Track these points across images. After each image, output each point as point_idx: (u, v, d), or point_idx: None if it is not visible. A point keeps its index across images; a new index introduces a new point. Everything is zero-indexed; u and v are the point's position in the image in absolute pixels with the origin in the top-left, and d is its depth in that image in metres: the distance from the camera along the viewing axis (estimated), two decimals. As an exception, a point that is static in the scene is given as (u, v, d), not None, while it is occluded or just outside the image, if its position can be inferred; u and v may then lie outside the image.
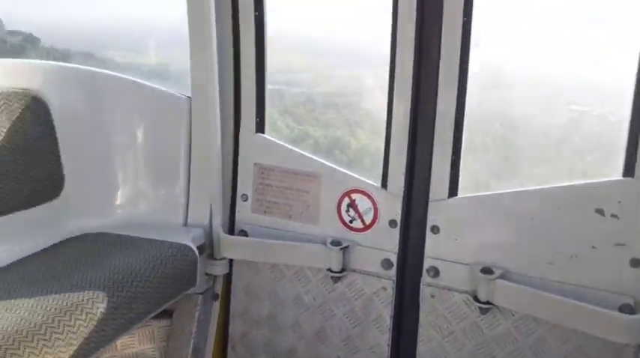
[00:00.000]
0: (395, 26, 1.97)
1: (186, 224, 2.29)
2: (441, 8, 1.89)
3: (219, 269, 2.26)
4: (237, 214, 2.31)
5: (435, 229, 2.02)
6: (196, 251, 2.11)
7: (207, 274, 2.24)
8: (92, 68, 2.31)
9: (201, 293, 2.24)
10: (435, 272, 2.02)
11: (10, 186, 2.04)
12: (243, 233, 2.29)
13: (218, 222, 2.23)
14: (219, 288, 2.31)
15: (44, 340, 1.58)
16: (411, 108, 2.00)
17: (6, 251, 2.00)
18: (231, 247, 2.24)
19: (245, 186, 2.28)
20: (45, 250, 2.08)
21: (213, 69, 2.11)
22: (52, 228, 2.17)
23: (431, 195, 2.02)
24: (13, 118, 2.06)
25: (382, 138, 2.08)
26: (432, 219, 2.02)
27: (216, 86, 2.13)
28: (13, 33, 5.64)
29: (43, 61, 2.22)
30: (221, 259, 2.25)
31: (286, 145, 2.24)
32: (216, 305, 2.31)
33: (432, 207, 2.02)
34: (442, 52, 1.92)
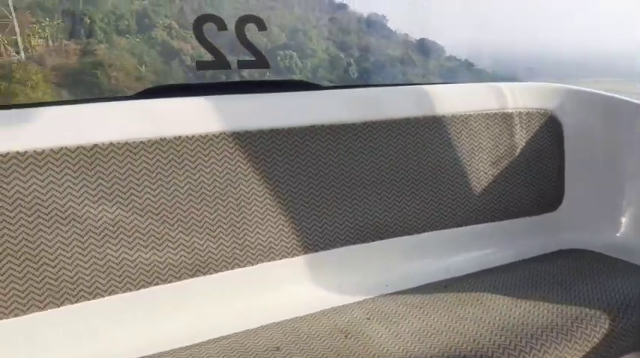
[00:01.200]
0: None
1: None
2: None
3: None
4: None
5: None
6: None
7: None
8: (608, 93, 2.38)
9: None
10: None
11: (519, 192, 2.30)
12: None
13: None
14: None
15: (566, 340, 1.69)
16: None
17: (508, 251, 2.26)
18: None
19: None
20: (539, 257, 2.26)
21: None
22: (545, 237, 2.35)
23: None
24: (531, 134, 2.32)
25: None
26: None
27: None
28: (450, 58, 6.54)
29: (561, 85, 2.41)
30: None
31: None
32: None
33: None
34: None
